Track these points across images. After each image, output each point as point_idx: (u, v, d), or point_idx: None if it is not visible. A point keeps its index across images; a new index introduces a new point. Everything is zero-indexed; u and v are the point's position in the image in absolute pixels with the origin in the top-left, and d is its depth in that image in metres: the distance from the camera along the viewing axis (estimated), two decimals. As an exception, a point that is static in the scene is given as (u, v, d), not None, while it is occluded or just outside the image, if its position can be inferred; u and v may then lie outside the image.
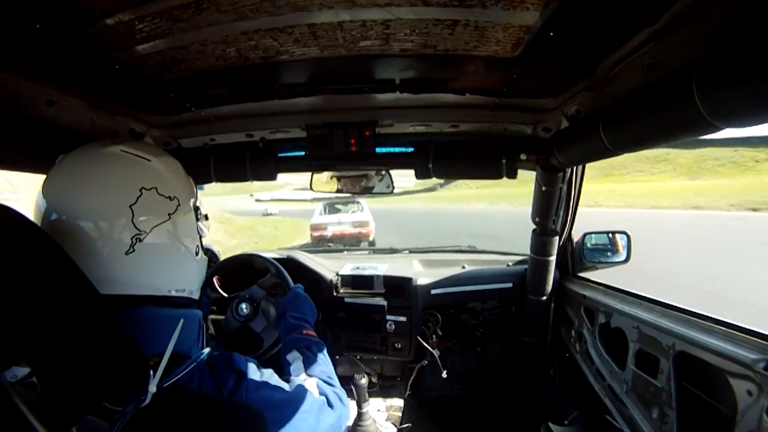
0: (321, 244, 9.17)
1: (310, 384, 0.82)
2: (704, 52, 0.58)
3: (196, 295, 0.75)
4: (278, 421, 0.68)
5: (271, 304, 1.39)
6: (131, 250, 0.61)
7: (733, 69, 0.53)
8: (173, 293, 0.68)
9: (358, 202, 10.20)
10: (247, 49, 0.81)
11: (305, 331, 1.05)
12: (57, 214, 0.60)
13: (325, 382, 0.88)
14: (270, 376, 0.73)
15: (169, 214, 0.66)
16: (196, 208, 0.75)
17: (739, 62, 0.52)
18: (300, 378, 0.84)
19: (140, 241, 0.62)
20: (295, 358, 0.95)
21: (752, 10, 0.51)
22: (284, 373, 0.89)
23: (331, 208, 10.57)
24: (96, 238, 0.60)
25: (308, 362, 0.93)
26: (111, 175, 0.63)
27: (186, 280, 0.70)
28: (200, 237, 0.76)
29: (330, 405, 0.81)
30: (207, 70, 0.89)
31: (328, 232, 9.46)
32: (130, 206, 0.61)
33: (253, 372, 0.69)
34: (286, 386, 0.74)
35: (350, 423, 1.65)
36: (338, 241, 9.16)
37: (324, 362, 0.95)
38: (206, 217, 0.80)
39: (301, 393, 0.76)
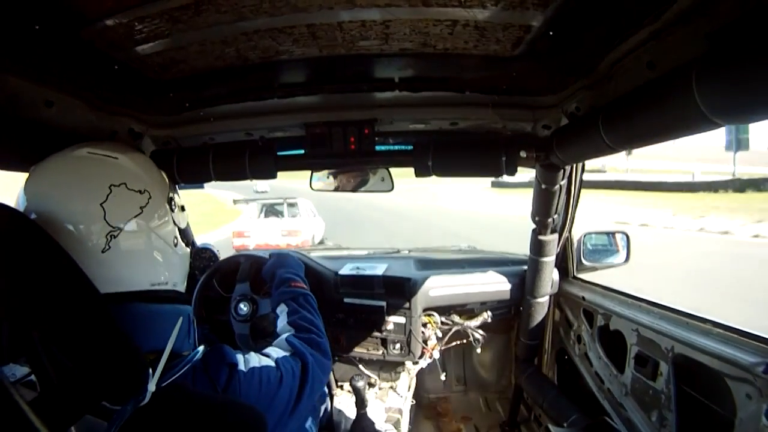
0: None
1: (285, 346, 0.84)
2: (704, 50, 0.58)
3: (180, 287, 0.75)
4: (269, 409, 0.69)
5: (265, 289, 1.40)
6: (107, 247, 0.62)
7: (733, 67, 0.53)
8: (156, 287, 0.68)
9: (294, 205, 8.27)
10: (246, 49, 0.81)
11: (293, 284, 1.07)
12: (35, 214, 0.60)
13: (302, 329, 0.91)
14: (257, 361, 0.73)
15: (141, 208, 0.66)
16: (170, 200, 0.75)
17: (739, 60, 0.52)
18: (280, 339, 0.87)
19: (115, 237, 0.62)
20: (282, 311, 0.99)
21: (753, 8, 0.51)
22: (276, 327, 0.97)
23: (270, 209, 8.77)
24: (71, 239, 0.60)
25: (291, 313, 0.97)
26: (79, 177, 0.64)
27: (167, 272, 0.70)
28: (178, 228, 0.76)
29: (305, 362, 0.81)
30: (206, 70, 0.89)
31: (251, 242, 7.63)
32: (101, 205, 0.62)
33: (242, 362, 0.70)
34: (271, 364, 0.75)
35: (351, 420, 1.65)
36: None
37: (307, 309, 0.98)
38: (182, 209, 0.80)
39: (282, 367, 0.76)
